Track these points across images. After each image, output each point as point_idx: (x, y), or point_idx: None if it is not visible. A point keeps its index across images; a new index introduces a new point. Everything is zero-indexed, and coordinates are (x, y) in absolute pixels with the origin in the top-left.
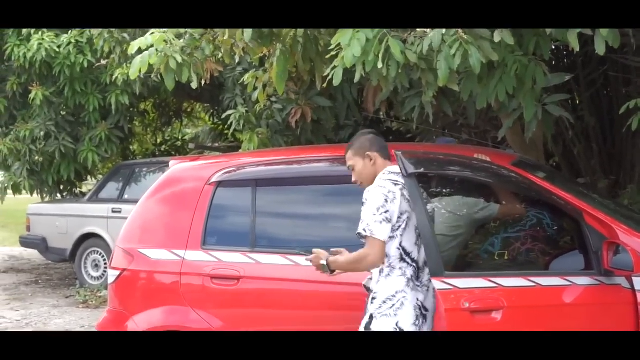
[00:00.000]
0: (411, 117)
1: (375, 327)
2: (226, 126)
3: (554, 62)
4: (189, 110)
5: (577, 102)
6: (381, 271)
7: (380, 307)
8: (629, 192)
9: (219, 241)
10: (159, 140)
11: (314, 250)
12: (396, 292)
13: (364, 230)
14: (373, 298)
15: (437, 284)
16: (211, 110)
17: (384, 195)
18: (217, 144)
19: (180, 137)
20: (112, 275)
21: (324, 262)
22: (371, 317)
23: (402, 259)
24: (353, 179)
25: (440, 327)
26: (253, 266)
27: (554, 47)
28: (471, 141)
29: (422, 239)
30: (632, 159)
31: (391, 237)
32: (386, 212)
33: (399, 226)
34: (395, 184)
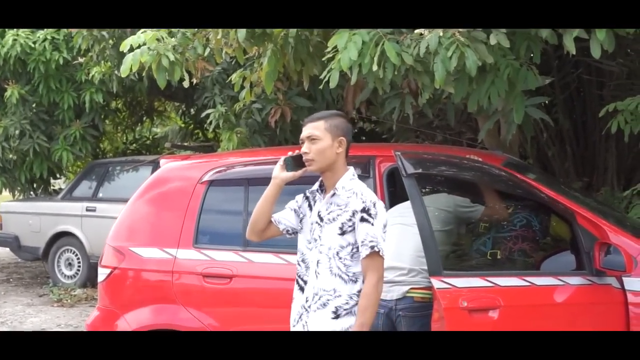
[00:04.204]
0: (390, 117)
1: (341, 324)
2: (198, 125)
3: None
4: (160, 109)
5: (551, 104)
6: (347, 274)
7: (347, 303)
8: (603, 194)
9: (211, 240)
10: (128, 139)
11: None
12: (357, 292)
13: (379, 249)
14: (337, 295)
15: (436, 283)
16: (181, 109)
17: (385, 210)
18: (186, 143)
19: (150, 136)
20: (102, 273)
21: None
22: (336, 313)
23: None
24: (305, 151)
25: (438, 325)
26: (245, 265)
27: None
28: (446, 142)
29: (422, 239)
30: (605, 161)
31: None
32: (385, 230)
33: None
34: None
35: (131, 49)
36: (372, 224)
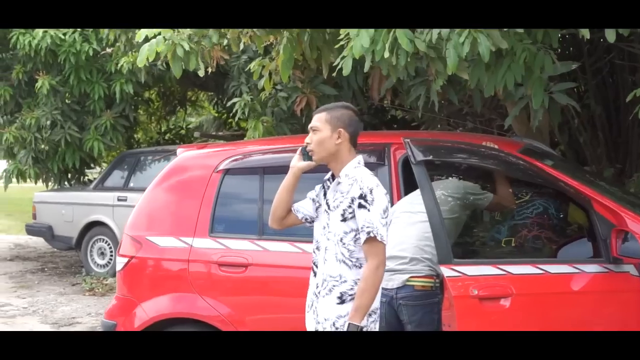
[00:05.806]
0: (416, 105)
1: (346, 309)
2: (230, 114)
3: (559, 50)
4: (193, 98)
5: (583, 90)
6: (351, 259)
7: (351, 289)
8: (635, 181)
9: (226, 229)
10: (163, 129)
11: None
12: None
13: (376, 235)
14: (343, 281)
15: (445, 271)
16: (215, 99)
17: (386, 196)
18: (221, 132)
19: (184, 126)
20: (120, 262)
21: (356, 324)
22: (341, 298)
23: None
24: (308, 141)
25: (448, 313)
26: (261, 253)
27: (559, 36)
28: (476, 129)
29: (431, 227)
30: (638, 147)
31: None
32: (387, 215)
33: None
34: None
35: (147, 39)
36: (369, 210)
